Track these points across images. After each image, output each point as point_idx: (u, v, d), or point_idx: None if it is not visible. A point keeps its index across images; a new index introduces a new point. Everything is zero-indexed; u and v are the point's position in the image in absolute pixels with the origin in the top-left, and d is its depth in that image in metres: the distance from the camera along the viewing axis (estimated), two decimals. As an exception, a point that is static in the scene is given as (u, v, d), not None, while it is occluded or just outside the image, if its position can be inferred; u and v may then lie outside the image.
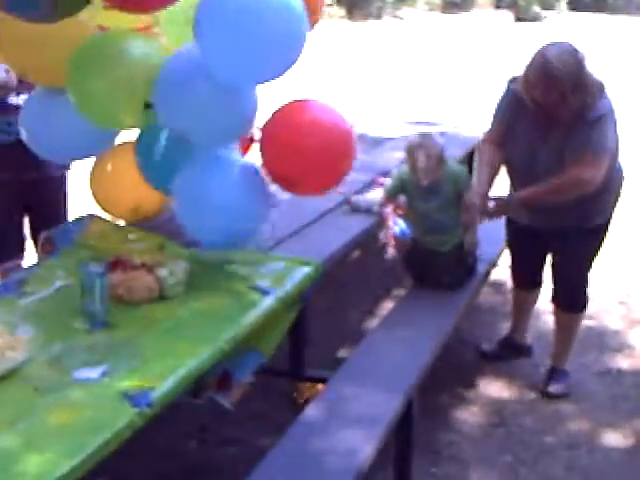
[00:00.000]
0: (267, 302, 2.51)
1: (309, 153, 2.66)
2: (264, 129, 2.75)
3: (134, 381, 1.99)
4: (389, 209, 3.38)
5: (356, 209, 3.52)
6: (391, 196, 3.44)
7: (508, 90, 3.27)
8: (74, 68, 2.66)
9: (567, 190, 3.12)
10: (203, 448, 3.11)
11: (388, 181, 3.62)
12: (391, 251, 3.33)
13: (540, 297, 3.82)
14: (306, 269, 2.77)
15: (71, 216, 3.64)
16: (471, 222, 3.35)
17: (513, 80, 3.23)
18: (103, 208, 3.21)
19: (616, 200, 3.36)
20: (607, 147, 3.10)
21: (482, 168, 3.41)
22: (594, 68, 3.02)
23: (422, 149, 3.27)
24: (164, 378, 2.01)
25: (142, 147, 3.01)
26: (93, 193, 3.18)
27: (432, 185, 3.33)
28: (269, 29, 2.36)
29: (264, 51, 2.40)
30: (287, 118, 2.75)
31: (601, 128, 3.07)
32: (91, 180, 3.20)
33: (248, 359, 2.70)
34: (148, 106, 2.67)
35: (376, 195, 3.61)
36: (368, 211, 3.49)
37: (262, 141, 2.76)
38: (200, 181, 2.73)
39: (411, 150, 3.31)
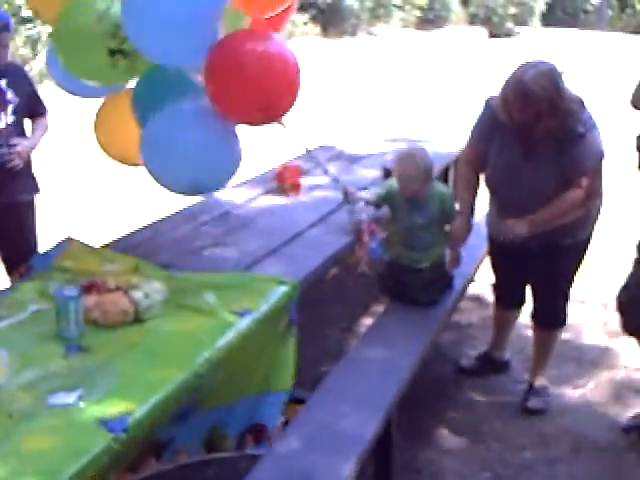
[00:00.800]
0: (243, 323, 2.49)
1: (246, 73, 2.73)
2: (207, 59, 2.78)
3: (110, 406, 1.97)
4: (367, 227, 3.39)
5: (352, 202, 3.50)
6: (376, 202, 3.47)
7: (487, 107, 3.27)
8: (55, 31, 2.71)
9: (584, 203, 3.15)
10: (182, 471, 3.07)
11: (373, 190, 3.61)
12: (364, 267, 3.34)
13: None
14: (282, 288, 2.76)
15: (40, 240, 3.64)
16: (456, 251, 3.51)
17: (491, 98, 3.23)
18: (106, 151, 3.28)
19: (599, 212, 3.36)
20: (603, 155, 3.16)
21: (463, 194, 3.43)
22: (571, 83, 3.04)
23: (411, 158, 3.29)
24: (140, 403, 1.99)
25: (138, 96, 3.03)
26: (97, 137, 3.27)
27: (418, 201, 3.34)
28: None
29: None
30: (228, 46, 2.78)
31: (594, 138, 3.10)
32: (95, 123, 3.28)
33: (273, 404, 2.73)
34: (113, 53, 2.66)
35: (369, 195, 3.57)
36: (367, 203, 3.48)
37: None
38: (167, 127, 2.76)
39: (400, 158, 3.33)
